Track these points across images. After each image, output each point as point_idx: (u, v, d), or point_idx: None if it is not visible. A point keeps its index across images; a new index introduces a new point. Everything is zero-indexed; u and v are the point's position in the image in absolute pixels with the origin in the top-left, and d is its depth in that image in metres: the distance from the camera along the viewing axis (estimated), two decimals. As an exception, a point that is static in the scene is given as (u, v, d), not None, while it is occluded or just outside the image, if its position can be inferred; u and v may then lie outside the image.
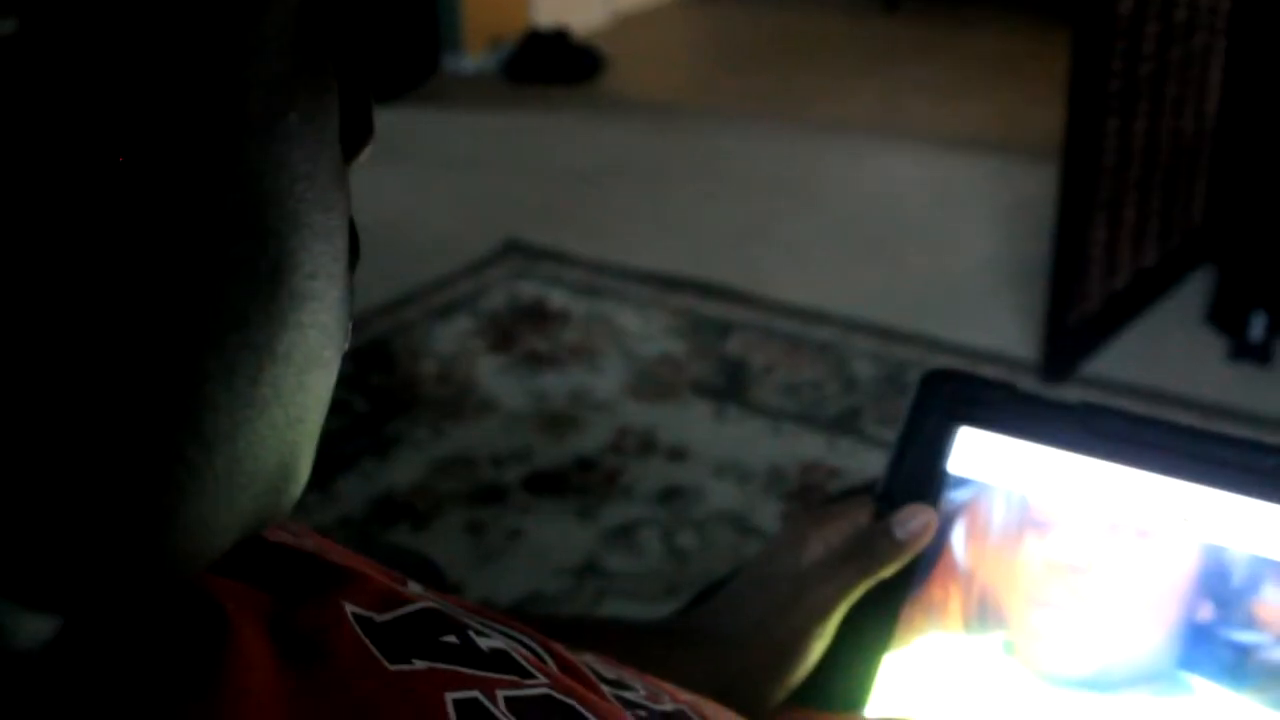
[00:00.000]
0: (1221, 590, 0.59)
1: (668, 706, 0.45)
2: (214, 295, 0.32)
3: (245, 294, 0.32)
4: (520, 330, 2.72)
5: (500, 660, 0.39)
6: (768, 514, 2.13)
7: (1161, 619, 0.60)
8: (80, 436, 0.31)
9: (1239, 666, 0.58)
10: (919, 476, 0.68)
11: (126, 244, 0.30)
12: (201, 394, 0.32)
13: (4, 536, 0.31)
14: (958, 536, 0.67)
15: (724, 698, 0.56)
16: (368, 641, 0.37)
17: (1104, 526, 0.63)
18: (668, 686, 0.48)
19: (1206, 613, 0.59)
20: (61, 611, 0.33)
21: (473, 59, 4.46)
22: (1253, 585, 0.59)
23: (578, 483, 2.22)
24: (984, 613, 0.65)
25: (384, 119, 0.39)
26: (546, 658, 0.41)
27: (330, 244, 0.35)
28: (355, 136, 0.37)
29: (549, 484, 2.21)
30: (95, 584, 0.33)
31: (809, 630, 0.65)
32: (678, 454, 2.29)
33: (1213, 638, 0.59)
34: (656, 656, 0.63)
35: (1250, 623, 0.58)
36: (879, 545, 0.66)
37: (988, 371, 2.35)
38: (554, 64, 4.34)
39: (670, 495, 2.18)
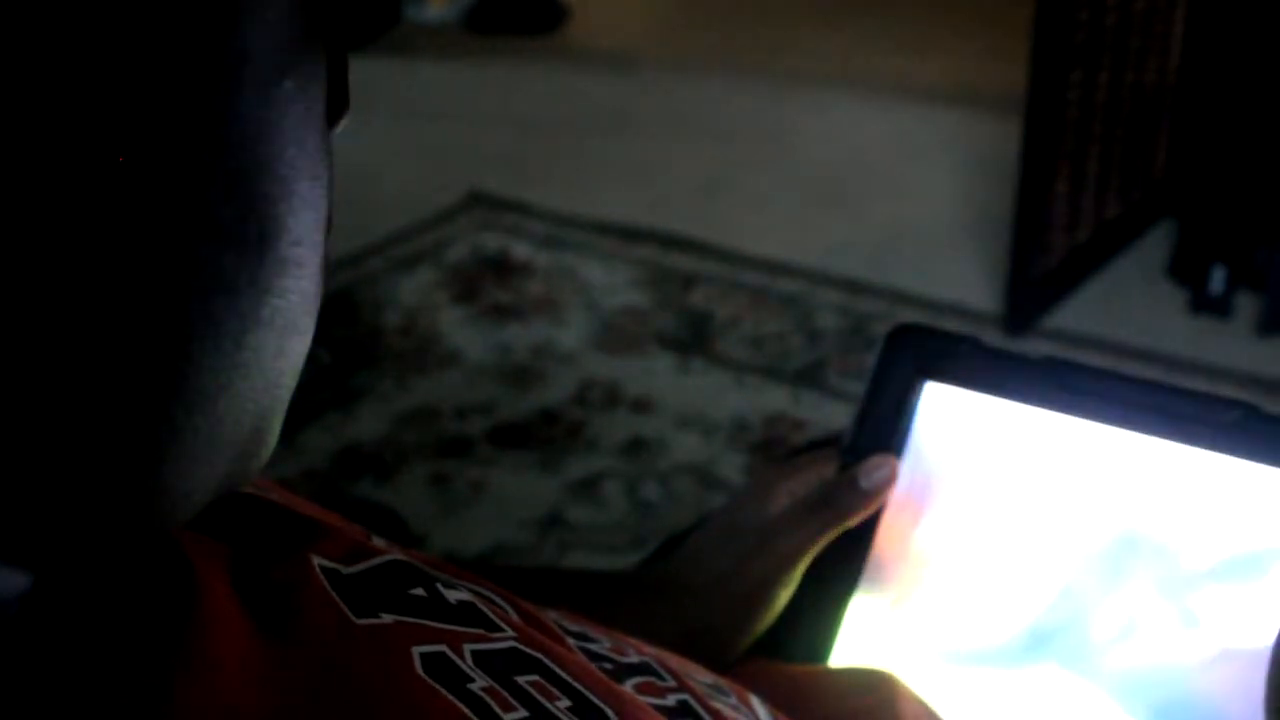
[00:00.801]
0: (1072, 599, 0.64)
1: (633, 659, 0.46)
2: (204, 257, 0.32)
3: (234, 258, 0.33)
4: (484, 282, 2.71)
5: (467, 613, 0.39)
6: (731, 466, 2.14)
7: (1018, 620, 0.65)
8: (68, 394, 0.31)
9: (1078, 656, 0.64)
10: (885, 431, 0.69)
11: (121, 202, 0.30)
12: (187, 355, 0.32)
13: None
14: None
15: (689, 648, 0.56)
16: (335, 595, 0.37)
17: (987, 539, 0.66)
18: (632, 640, 0.49)
19: (1056, 614, 0.64)
20: (40, 567, 0.33)
21: (434, 8, 4.42)
22: (1101, 595, 0.64)
23: (542, 435, 2.22)
24: (879, 573, 0.68)
25: (345, 69, 0.39)
26: (512, 612, 0.41)
27: (315, 212, 0.35)
28: (335, 106, 0.38)
29: (513, 436, 2.21)
30: (76, 540, 0.33)
31: (774, 580, 0.65)
32: (642, 406, 2.29)
33: (1058, 634, 0.64)
34: (622, 608, 0.64)
35: (1088, 625, 0.64)
36: (844, 495, 0.66)
37: (950, 324, 2.36)
38: (517, 14, 4.31)
39: (634, 447, 2.19)
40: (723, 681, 0.51)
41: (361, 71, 0.39)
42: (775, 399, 2.32)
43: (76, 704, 0.32)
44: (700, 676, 0.49)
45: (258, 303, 0.34)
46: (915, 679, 0.64)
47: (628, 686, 0.43)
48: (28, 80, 0.29)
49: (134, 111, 0.30)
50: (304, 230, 0.35)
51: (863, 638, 0.68)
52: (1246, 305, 2.55)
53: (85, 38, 0.29)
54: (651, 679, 0.45)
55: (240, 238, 0.33)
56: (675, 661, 0.49)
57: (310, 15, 0.34)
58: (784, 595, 0.66)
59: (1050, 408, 0.66)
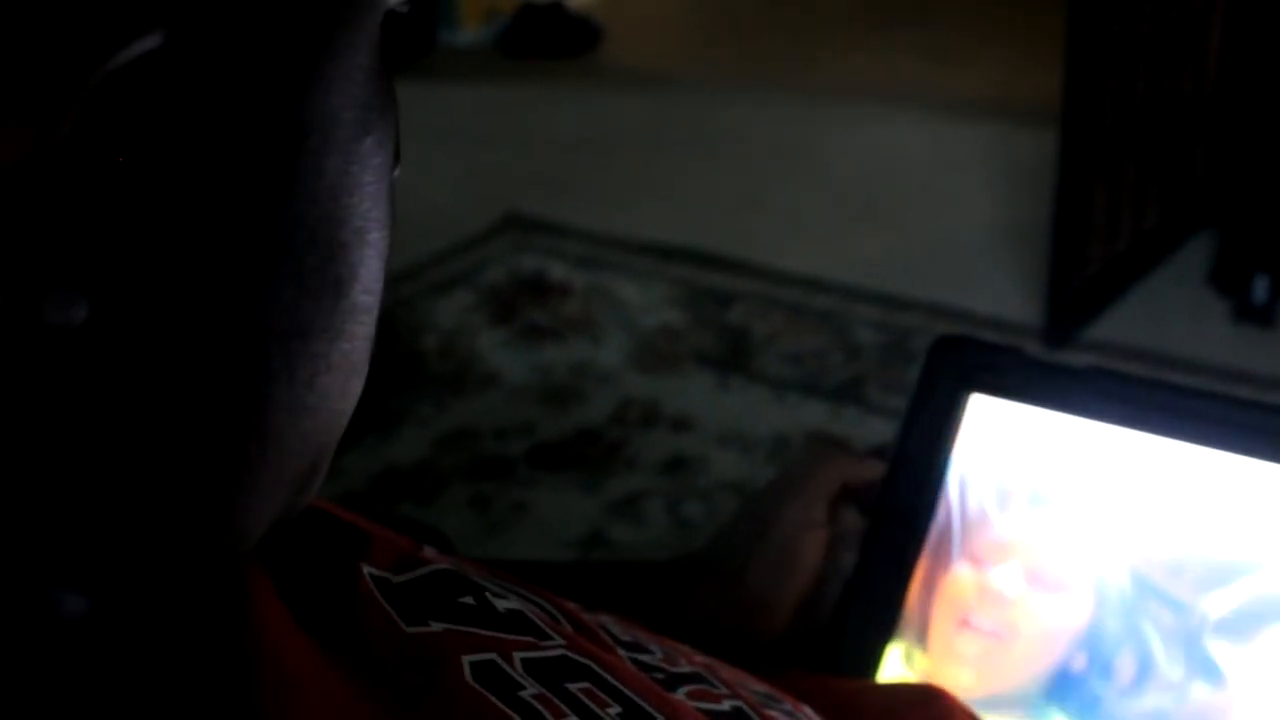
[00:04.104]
0: (1097, 645, 0.65)
1: (684, 668, 0.46)
2: (286, 302, 0.33)
3: (312, 304, 0.34)
4: (521, 303, 2.72)
5: (517, 621, 0.39)
6: (772, 483, 2.13)
7: (1048, 660, 0.66)
8: (155, 430, 0.32)
9: (1091, 708, 0.64)
10: (929, 443, 0.68)
11: (215, 249, 0.32)
12: (266, 395, 0.34)
13: (72, 528, 0.32)
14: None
15: (736, 620, 0.57)
16: (386, 604, 0.37)
17: (1028, 574, 0.66)
18: (684, 649, 0.49)
19: (1080, 662, 0.65)
20: (104, 593, 0.34)
21: (468, 32, 4.44)
22: (1119, 644, 0.64)
23: (581, 455, 2.22)
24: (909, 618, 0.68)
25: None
26: (561, 619, 0.41)
27: (381, 260, 0.37)
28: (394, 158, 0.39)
29: (553, 457, 2.21)
30: (152, 570, 0.34)
31: (797, 526, 0.67)
32: (681, 424, 2.29)
33: (1078, 682, 0.65)
34: (668, 592, 0.65)
35: (1109, 673, 0.64)
36: (844, 446, 0.68)
37: (990, 337, 2.35)
38: (550, 36, 4.33)
39: (674, 466, 2.18)
40: (776, 691, 0.51)
41: (397, 96, 0.40)
42: (815, 415, 2.31)
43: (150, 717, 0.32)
44: (753, 685, 0.49)
45: (330, 347, 0.35)
46: None
47: (679, 694, 0.43)
48: (153, 134, 0.30)
49: (231, 165, 0.31)
50: (372, 278, 0.36)
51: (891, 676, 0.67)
52: (1290, 313, 2.53)
53: (192, 98, 0.31)
54: (704, 686, 0.45)
55: (319, 285, 0.34)
56: (728, 671, 0.48)
57: (387, 77, 0.36)
58: (814, 541, 0.67)
59: (1099, 419, 0.65)
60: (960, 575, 0.67)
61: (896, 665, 0.68)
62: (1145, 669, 0.63)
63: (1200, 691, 0.61)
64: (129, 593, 0.34)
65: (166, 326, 0.31)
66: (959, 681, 0.66)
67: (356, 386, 0.37)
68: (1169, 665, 0.62)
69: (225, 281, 0.32)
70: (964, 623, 0.67)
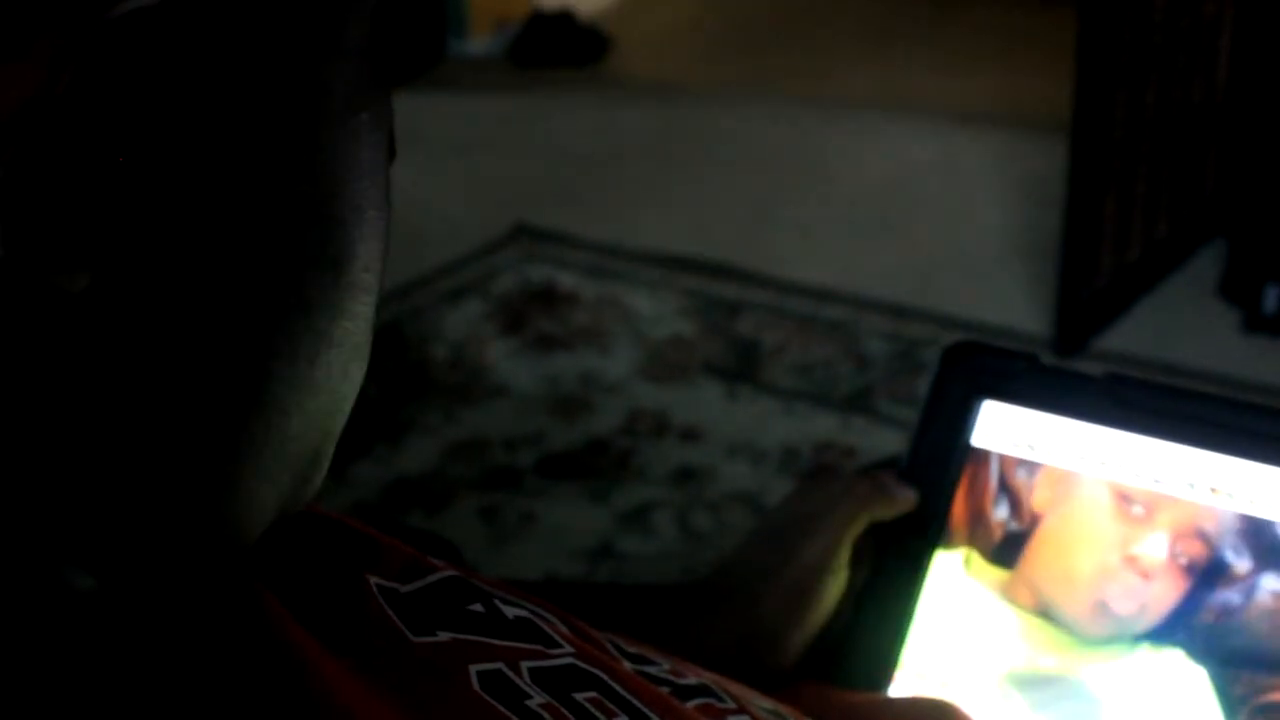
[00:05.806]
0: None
1: (692, 681, 0.45)
2: (286, 277, 0.34)
3: (313, 279, 0.34)
4: (530, 313, 2.72)
5: (525, 629, 0.39)
6: (782, 493, 2.12)
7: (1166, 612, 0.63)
8: (158, 405, 0.32)
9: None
10: (942, 450, 0.68)
11: (219, 218, 0.32)
12: (268, 371, 0.34)
13: (77, 505, 0.32)
14: (1033, 474, 0.67)
15: (747, 650, 0.57)
16: (393, 615, 0.37)
17: (1055, 548, 0.65)
18: (690, 665, 0.48)
19: (1210, 615, 0.62)
20: (112, 574, 0.34)
21: (477, 42, 4.45)
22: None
23: (591, 465, 2.22)
24: (1015, 554, 0.66)
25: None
26: (567, 630, 0.41)
27: (380, 241, 0.37)
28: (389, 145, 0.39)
29: (562, 467, 2.21)
30: (159, 548, 0.34)
31: (818, 569, 0.66)
32: (690, 435, 2.29)
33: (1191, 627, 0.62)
34: (680, 617, 0.64)
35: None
36: (877, 483, 0.67)
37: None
38: (559, 46, 4.33)
39: (684, 476, 2.18)
40: (782, 707, 0.50)
41: (407, 106, 0.40)
42: (824, 425, 2.30)
43: (161, 701, 0.33)
44: (761, 702, 0.49)
45: (331, 324, 0.35)
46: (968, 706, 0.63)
47: (687, 708, 0.43)
48: (154, 91, 0.30)
49: (226, 135, 0.32)
50: (371, 258, 0.36)
51: (918, 663, 0.67)
52: (1301, 324, 2.52)
53: (186, 65, 0.31)
54: (711, 700, 0.45)
55: (319, 260, 0.34)
56: (735, 687, 0.48)
57: (382, 56, 0.36)
58: (831, 583, 0.66)
59: (1114, 426, 0.65)
60: (1111, 531, 0.65)
61: (954, 570, 0.66)
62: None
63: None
64: (135, 570, 0.34)
65: (166, 296, 0.31)
66: (1085, 625, 0.64)
67: (359, 369, 0.38)
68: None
69: (225, 253, 0.32)
70: (1100, 584, 0.64)
